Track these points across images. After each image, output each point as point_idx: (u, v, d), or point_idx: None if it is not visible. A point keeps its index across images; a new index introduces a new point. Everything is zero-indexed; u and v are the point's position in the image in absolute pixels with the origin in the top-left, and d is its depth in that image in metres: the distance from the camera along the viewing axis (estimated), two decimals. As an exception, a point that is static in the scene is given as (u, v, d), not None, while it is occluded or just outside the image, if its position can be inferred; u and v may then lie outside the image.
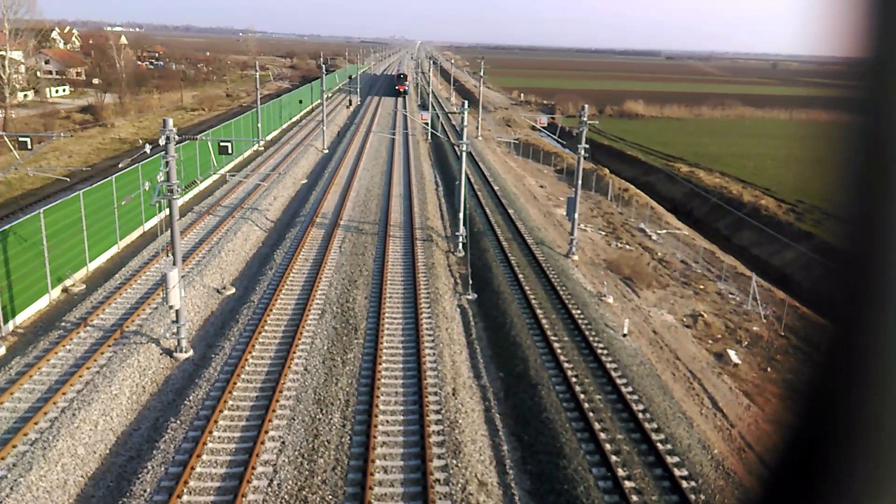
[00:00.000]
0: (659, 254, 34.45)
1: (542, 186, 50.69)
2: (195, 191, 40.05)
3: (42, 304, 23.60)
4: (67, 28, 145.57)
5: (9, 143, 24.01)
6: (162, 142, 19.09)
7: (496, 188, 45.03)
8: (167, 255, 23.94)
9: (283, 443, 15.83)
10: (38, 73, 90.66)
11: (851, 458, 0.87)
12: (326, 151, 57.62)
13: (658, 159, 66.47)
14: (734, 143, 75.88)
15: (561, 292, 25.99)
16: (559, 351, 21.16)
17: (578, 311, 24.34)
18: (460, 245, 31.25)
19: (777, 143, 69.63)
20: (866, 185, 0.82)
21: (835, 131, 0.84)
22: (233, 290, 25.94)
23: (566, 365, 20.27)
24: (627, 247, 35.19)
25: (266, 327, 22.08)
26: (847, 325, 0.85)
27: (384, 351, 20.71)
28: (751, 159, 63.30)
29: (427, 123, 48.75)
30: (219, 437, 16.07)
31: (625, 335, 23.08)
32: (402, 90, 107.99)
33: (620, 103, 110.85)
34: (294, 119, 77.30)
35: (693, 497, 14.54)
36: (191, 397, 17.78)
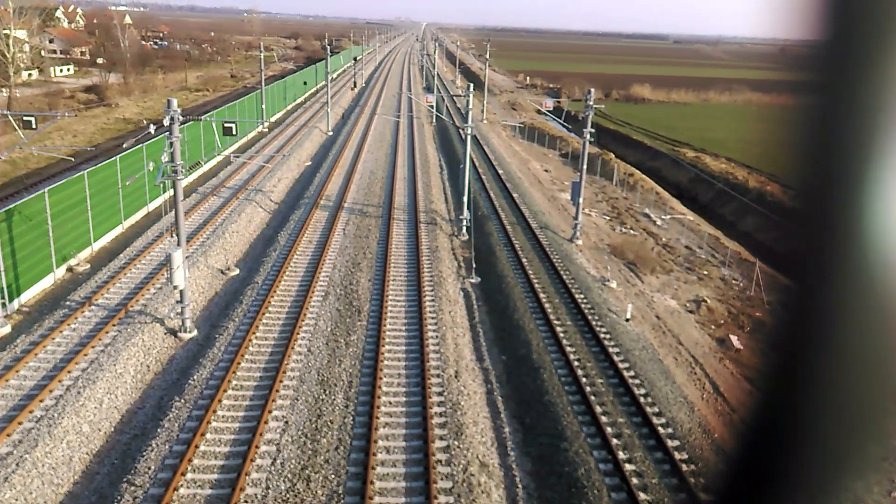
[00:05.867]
0: (663, 239, 34.38)
1: (546, 171, 50.51)
2: (199, 172, 40.02)
3: (47, 283, 23.69)
4: (71, 7, 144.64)
5: (13, 122, 24.00)
6: (166, 122, 19.05)
7: (501, 172, 44.87)
8: (172, 236, 24.00)
9: (287, 422, 15.94)
10: (43, 53, 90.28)
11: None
12: (331, 134, 57.46)
13: (664, 144, 66.13)
14: (741, 128, 75.33)
15: (564, 276, 25.99)
16: (562, 335, 21.20)
17: (582, 296, 24.36)
18: (464, 228, 31.22)
19: (784, 128, 69.16)
20: (820, 161, 0.85)
21: (794, 113, 0.87)
22: (237, 272, 26.00)
23: (569, 349, 20.32)
24: (632, 232, 35.12)
25: (270, 308, 22.16)
26: (807, 284, 0.88)
27: (387, 333, 20.77)
28: (757, 145, 62.79)
29: (432, 106, 48.54)
30: (223, 417, 16.19)
31: (628, 320, 23.10)
32: None
33: (627, 87, 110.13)
34: (298, 101, 77.02)
35: (693, 480, 14.62)
36: (195, 377, 17.90)
